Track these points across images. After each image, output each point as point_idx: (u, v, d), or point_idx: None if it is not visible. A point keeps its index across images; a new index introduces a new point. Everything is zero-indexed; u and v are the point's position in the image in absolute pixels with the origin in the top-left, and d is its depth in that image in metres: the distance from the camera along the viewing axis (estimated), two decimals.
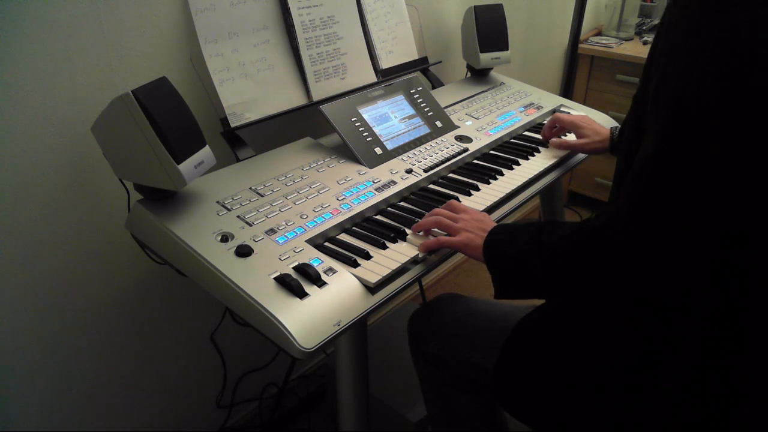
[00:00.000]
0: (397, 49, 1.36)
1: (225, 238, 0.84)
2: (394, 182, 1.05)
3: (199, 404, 1.37)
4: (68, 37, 0.90)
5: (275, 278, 0.78)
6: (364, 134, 1.11)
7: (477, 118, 1.33)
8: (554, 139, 1.24)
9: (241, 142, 1.08)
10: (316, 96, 1.17)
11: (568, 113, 1.35)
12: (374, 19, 1.31)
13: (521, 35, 2.03)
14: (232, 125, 1.04)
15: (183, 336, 1.27)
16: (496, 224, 0.88)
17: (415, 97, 1.25)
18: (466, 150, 1.19)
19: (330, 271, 0.81)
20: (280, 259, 0.82)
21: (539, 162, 1.19)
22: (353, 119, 1.12)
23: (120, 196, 0.96)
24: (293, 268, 0.80)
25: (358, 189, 1.01)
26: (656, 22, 2.42)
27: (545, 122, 1.31)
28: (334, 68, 1.21)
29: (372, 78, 1.29)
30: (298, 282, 0.77)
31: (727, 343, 0.71)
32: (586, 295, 0.77)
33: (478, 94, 1.47)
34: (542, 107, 1.45)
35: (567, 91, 2.21)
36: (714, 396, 0.72)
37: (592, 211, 2.52)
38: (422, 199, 1.05)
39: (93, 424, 1.16)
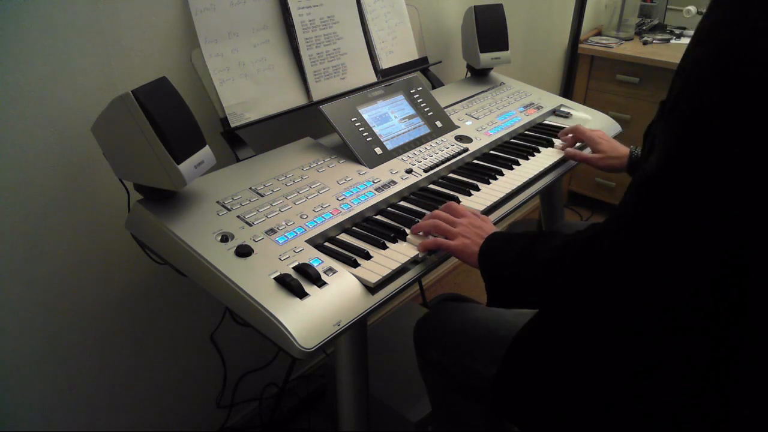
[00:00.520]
0: (397, 49, 1.36)
1: (225, 238, 0.84)
2: (394, 182, 1.05)
3: (199, 404, 1.37)
4: (68, 37, 0.90)
5: (275, 278, 0.78)
6: (364, 134, 1.11)
7: (477, 118, 1.33)
8: (570, 149, 1.22)
9: (241, 142, 1.08)
10: (316, 96, 1.17)
11: (577, 123, 1.32)
12: (374, 19, 1.31)
13: (521, 35, 2.03)
14: (232, 125, 1.04)
15: (183, 336, 1.27)
16: (494, 230, 0.88)
17: (415, 97, 1.25)
18: (466, 150, 1.19)
19: (330, 271, 0.81)
20: (280, 259, 0.82)
21: (539, 162, 1.19)
22: (353, 119, 1.12)
23: (120, 196, 0.96)
24: (293, 268, 0.80)
25: (358, 189, 1.01)
26: (656, 21, 2.42)
27: (564, 127, 1.30)
28: (334, 68, 1.21)
29: (372, 78, 1.29)
30: (298, 282, 0.77)
31: (727, 348, 0.71)
32: (578, 305, 0.77)
33: (478, 94, 1.47)
34: (542, 107, 1.45)
35: (567, 91, 2.21)
36: (714, 401, 0.72)
37: (592, 211, 2.52)
38: (422, 199, 1.05)
39: (93, 424, 1.16)
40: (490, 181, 1.11)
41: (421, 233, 0.91)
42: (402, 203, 1.03)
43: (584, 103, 1.65)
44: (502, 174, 1.13)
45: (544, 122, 1.41)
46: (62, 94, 0.92)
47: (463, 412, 1.06)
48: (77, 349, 1.08)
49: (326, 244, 0.90)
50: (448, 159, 1.15)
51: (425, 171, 1.10)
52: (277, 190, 0.97)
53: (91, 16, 0.92)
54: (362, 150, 1.09)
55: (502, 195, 1.06)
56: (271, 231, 0.87)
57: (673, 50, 2.20)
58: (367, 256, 0.86)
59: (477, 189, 1.08)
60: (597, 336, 0.81)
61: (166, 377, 1.27)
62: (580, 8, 2.00)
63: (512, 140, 1.29)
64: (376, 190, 1.02)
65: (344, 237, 0.92)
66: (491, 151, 1.24)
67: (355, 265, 0.84)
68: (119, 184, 0.94)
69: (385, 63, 1.33)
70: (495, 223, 1.02)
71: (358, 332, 0.94)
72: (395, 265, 0.84)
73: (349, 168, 1.06)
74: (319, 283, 0.79)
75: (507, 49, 1.48)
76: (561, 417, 0.84)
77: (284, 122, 1.20)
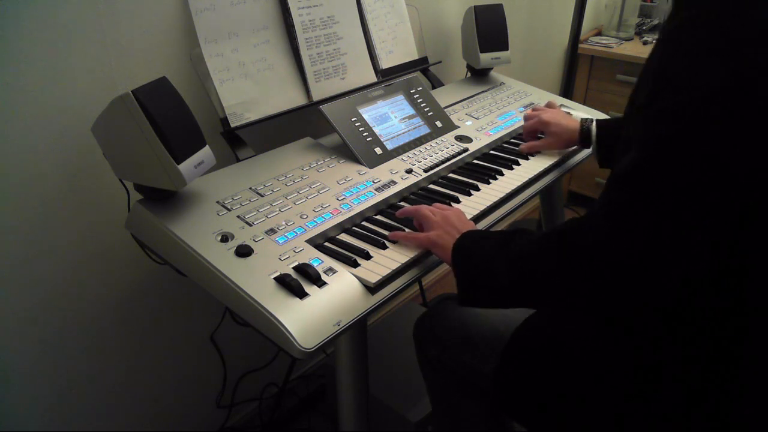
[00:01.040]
0: (397, 49, 1.36)
1: (225, 238, 0.84)
2: (394, 182, 1.05)
3: (199, 404, 1.37)
4: (68, 37, 0.90)
5: (275, 278, 0.78)
6: (364, 134, 1.11)
7: (477, 118, 1.33)
8: (523, 145, 1.21)
9: (241, 142, 1.08)
10: (316, 96, 1.17)
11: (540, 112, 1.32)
12: (374, 19, 1.31)
13: (521, 35, 2.03)
14: (232, 125, 1.04)
15: (183, 336, 1.27)
16: (473, 229, 0.87)
17: (415, 97, 1.25)
18: (466, 150, 1.19)
19: (330, 271, 0.81)
20: (280, 259, 0.82)
21: (539, 162, 1.19)
22: (353, 119, 1.12)
23: (120, 196, 0.96)
24: (293, 268, 0.80)
25: (358, 189, 1.01)
26: (656, 21, 2.42)
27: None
28: (334, 68, 1.21)
29: (372, 78, 1.29)
30: (298, 282, 0.77)
31: (726, 345, 0.71)
32: (553, 300, 0.75)
33: (478, 94, 1.47)
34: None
35: (567, 91, 2.21)
36: (715, 398, 0.72)
37: None
38: (422, 199, 1.05)
39: (93, 424, 1.16)
40: (490, 181, 1.11)
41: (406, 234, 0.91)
42: (402, 203, 1.03)
43: (584, 103, 1.65)
44: (502, 174, 1.13)
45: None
46: (62, 94, 0.92)
47: (462, 410, 1.07)
48: (77, 348, 1.08)
49: (326, 244, 0.90)
50: (448, 159, 1.15)
51: (425, 171, 1.10)
52: (277, 190, 0.97)
53: (91, 16, 0.92)
54: (362, 150, 1.09)
55: (502, 195, 1.06)
56: (271, 231, 0.87)
57: None
58: (367, 256, 0.86)
59: (477, 189, 1.08)
60: (595, 332, 0.81)
61: (166, 377, 1.27)
62: (580, 8, 2.00)
63: (512, 140, 1.29)
64: (376, 190, 1.02)
65: (344, 237, 0.92)
66: (491, 151, 1.24)
67: (355, 265, 0.84)
68: (119, 184, 0.94)
69: (385, 63, 1.33)
70: (495, 223, 1.03)
71: (358, 332, 0.94)
72: (395, 265, 0.84)
73: (349, 168, 1.06)
74: (319, 283, 0.79)
75: (507, 49, 1.48)
76: (561, 412, 0.84)
77: (284, 122, 1.20)
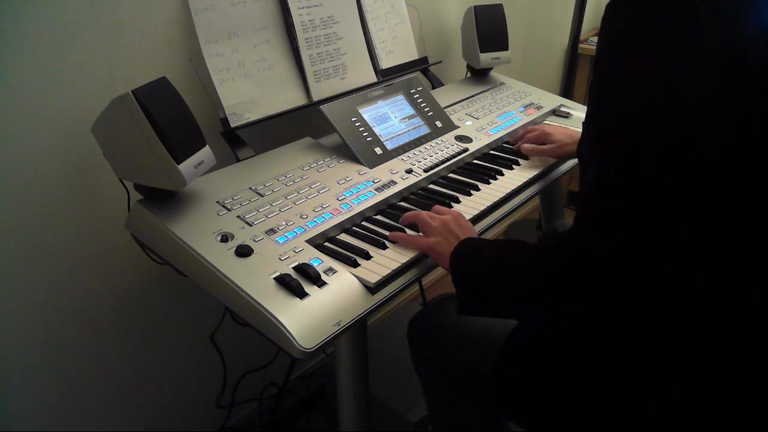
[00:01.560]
0: (397, 49, 1.36)
1: (225, 238, 0.84)
2: (394, 182, 1.05)
3: (199, 404, 1.37)
4: (68, 37, 0.90)
5: (275, 278, 0.78)
6: (364, 134, 1.11)
7: (477, 118, 1.33)
8: (525, 145, 1.21)
9: (241, 142, 1.08)
10: (316, 96, 1.17)
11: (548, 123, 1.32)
12: (374, 19, 1.31)
13: (521, 35, 2.03)
14: (232, 125, 1.04)
15: (183, 336, 1.27)
16: (473, 235, 0.88)
17: (415, 97, 1.25)
18: (466, 150, 1.19)
19: (330, 271, 0.81)
20: (280, 259, 0.82)
21: (539, 162, 1.19)
22: (353, 119, 1.12)
23: (120, 196, 0.96)
24: (293, 268, 0.80)
25: (358, 189, 1.01)
26: None
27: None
28: (334, 68, 1.21)
29: (372, 78, 1.29)
30: (298, 282, 0.77)
31: (726, 345, 0.71)
32: (546, 315, 0.77)
33: (478, 94, 1.47)
34: (542, 107, 1.45)
35: (567, 91, 2.21)
36: (714, 398, 0.72)
37: None
38: (422, 199, 1.05)
39: (93, 424, 1.16)
40: (490, 181, 1.11)
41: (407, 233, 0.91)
42: (402, 203, 1.03)
43: (584, 103, 1.65)
44: (502, 174, 1.13)
45: (544, 123, 1.41)
46: (62, 94, 0.92)
47: (458, 408, 1.07)
48: (77, 348, 1.08)
49: (326, 244, 0.90)
50: (448, 159, 1.15)
51: (425, 171, 1.10)
52: (277, 190, 0.97)
53: (91, 16, 0.92)
54: (362, 150, 1.09)
55: (502, 195, 1.06)
56: (271, 231, 0.87)
57: None
58: (367, 256, 0.86)
59: (477, 189, 1.08)
60: (593, 332, 0.82)
61: (166, 377, 1.27)
62: (580, 8, 2.00)
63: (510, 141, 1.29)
64: (376, 190, 1.02)
65: (344, 237, 0.92)
66: (491, 151, 1.24)
67: (355, 265, 0.84)
68: (119, 184, 0.94)
69: (385, 63, 1.33)
70: (496, 223, 1.03)
71: (358, 332, 0.94)
72: (395, 265, 0.84)
73: (349, 168, 1.06)
74: (319, 283, 0.79)
75: (507, 49, 1.48)
76: (558, 412, 0.84)
77: (284, 122, 1.20)
